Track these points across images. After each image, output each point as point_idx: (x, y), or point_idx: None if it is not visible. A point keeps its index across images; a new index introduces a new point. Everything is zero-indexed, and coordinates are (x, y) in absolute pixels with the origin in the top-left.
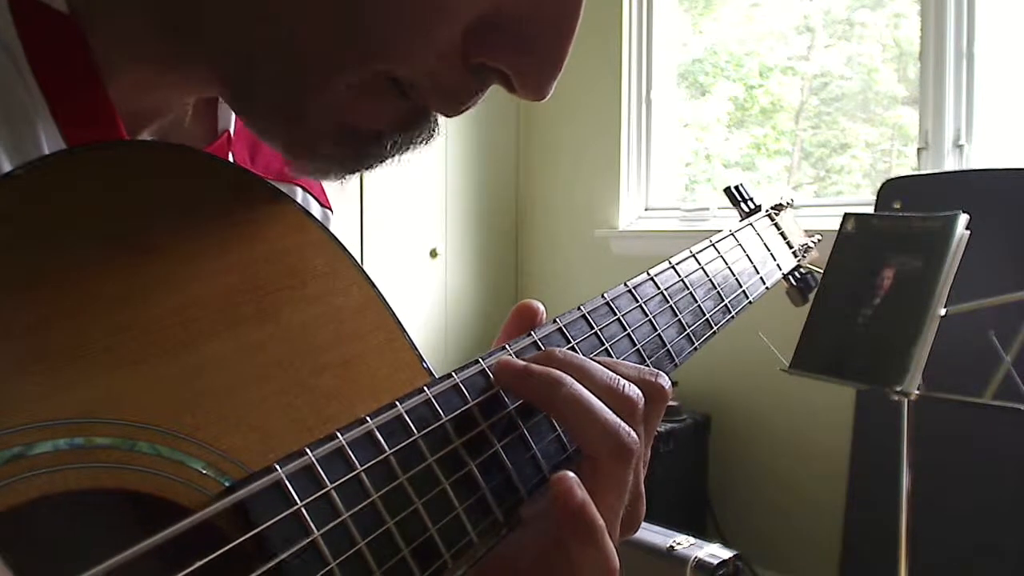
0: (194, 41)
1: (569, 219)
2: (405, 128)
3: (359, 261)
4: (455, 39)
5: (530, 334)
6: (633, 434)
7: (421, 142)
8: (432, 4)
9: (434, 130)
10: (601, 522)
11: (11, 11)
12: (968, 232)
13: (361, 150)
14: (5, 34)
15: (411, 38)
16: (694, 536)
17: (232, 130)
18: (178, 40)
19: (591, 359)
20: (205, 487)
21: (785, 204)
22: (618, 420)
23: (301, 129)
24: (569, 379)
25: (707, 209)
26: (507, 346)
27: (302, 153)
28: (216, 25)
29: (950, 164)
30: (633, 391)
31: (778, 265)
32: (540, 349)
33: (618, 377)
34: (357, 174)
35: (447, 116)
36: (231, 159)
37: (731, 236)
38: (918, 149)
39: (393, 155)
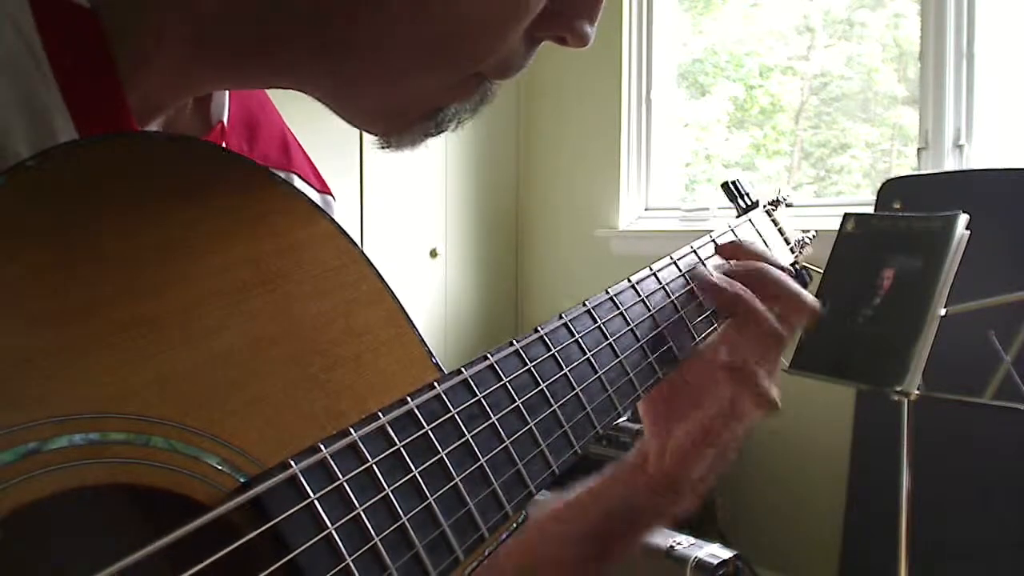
0: (271, 49)
1: (569, 219)
2: (471, 99)
3: None
4: (522, 31)
5: (537, 329)
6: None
7: (483, 106)
8: (510, 13)
9: (493, 94)
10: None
11: (30, 4)
12: (968, 232)
13: (438, 123)
14: (25, 28)
15: (494, 42)
16: (694, 536)
17: (226, 120)
18: (246, 47)
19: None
20: (220, 483)
21: (781, 200)
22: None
23: (395, 121)
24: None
25: (707, 209)
26: (514, 341)
27: (390, 135)
28: (309, 35)
29: (950, 164)
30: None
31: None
32: (546, 345)
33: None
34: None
35: (505, 81)
36: None
37: (730, 232)
38: (918, 149)
39: (461, 122)
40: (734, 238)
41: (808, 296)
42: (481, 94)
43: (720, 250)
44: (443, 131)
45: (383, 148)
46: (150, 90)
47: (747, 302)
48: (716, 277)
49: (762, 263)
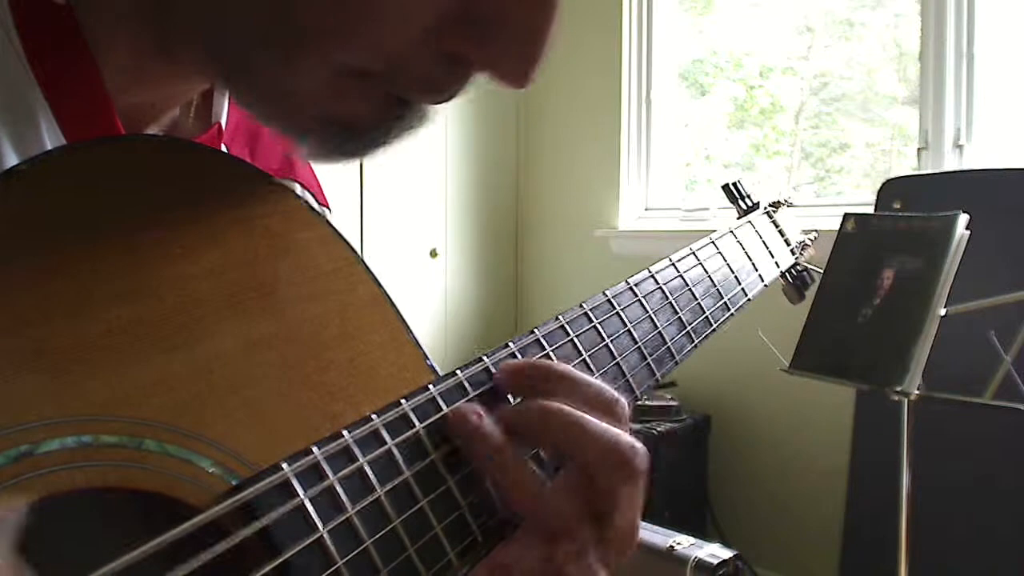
0: (179, 28)
1: (569, 219)
2: (390, 117)
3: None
4: (419, 30)
5: (533, 331)
6: (637, 445)
7: (410, 129)
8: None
9: (423, 118)
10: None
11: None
12: (968, 232)
13: (349, 138)
14: (6, 23)
15: (364, 29)
16: (694, 536)
17: (224, 123)
18: (166, 26)
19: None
20: (213, 486)
21: (783, 201)
22: (617, 432)
23: (286, 119)
24: (557, 407)
25: (707, 209)
26: (510, 343)
27: (293, 139)
28: (189, 12)
29: (950, 164)
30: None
31: (776, 263)
32: (542, 346)
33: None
34: (354, 160)
35: (431, 104)
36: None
37: (730, 234)
38: (918, 149)
39: (383, 143)
40: (735, 238)
41: (625, 446)
42: (397, 112)
43: (502, 377)
44: (359, 153)
45: (298, 157)
46: (130, 86)
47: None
48: (482, 423)
49: (551, 405)
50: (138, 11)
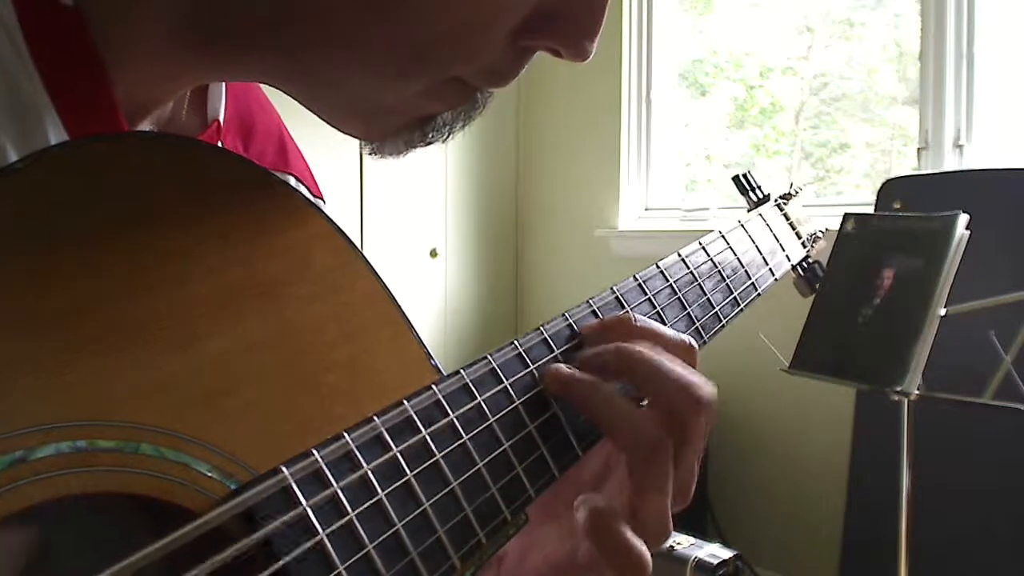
0: (244, 41)
1: (569, 219)
2: (462, 107)
3: None
4: (506, 34)
5: (539, 329)
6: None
7: (476, 116)
8: (487, 15)
9: (486, 103)
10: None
11: (13, 3)
12: (968, 232)
13: (425, 132)
14: (9, 25)
15: (470, 46)
16: (694, 536)
17: (222, 119)
18: (220, 38)
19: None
20: (211, 490)
21: (794, 192)
22: (692, 373)
23: (374, 124)
24: (638, 348)
25: (707, 209)
26: (515, 341)
27: (374, 140)
28: (277, 29)
29: (950, 164)
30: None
31: (787, 256)
32: (549, 346)
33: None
34: (422, 147)
35: (497, 89)
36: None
37: (740, 227)
38: (918, 149)
39: (453, 131)
40: (743, 231)
41: (702, 388)
42: (470, 103)
43: (597, 327)
44: (432, 141)
45: (370, 154)
46: (133, 84)
47: (616, 415)
48: (574, 372)
49: (637, 348)
50: (169, 15)
